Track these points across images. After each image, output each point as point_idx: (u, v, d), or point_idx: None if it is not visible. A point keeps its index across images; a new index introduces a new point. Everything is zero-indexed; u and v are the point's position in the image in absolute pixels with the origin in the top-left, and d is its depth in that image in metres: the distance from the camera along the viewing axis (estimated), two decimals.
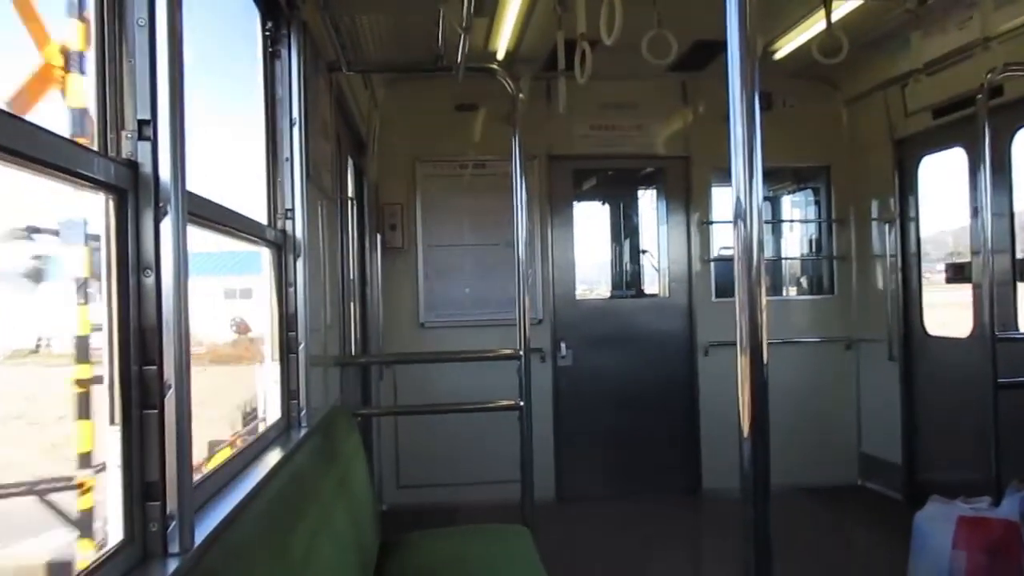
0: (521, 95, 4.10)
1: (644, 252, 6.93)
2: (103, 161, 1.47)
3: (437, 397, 5.52)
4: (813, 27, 4.59)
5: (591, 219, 7.29)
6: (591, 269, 7.30)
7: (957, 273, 5.38)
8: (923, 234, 5.70)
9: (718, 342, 5.91)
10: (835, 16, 3.93)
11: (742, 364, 1.39)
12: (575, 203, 6.35)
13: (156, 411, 1.56)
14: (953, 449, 5.22)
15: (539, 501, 4.16)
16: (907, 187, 5.71)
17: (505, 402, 4.11)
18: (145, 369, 1.56)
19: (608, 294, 7.16)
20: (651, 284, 6.72)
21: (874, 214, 6.00)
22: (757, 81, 1.39)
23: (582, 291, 6.60)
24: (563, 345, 6.03)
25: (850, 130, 6.18)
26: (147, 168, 1.56)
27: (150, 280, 1.56)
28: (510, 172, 4.08)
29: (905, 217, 5.73)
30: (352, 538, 2.65)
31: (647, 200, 6.98)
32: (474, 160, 5.97)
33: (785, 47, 5.12)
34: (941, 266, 5.83)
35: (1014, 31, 4.16)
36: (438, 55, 4.04)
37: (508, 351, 4.16)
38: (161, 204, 1.56)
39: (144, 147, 1.56)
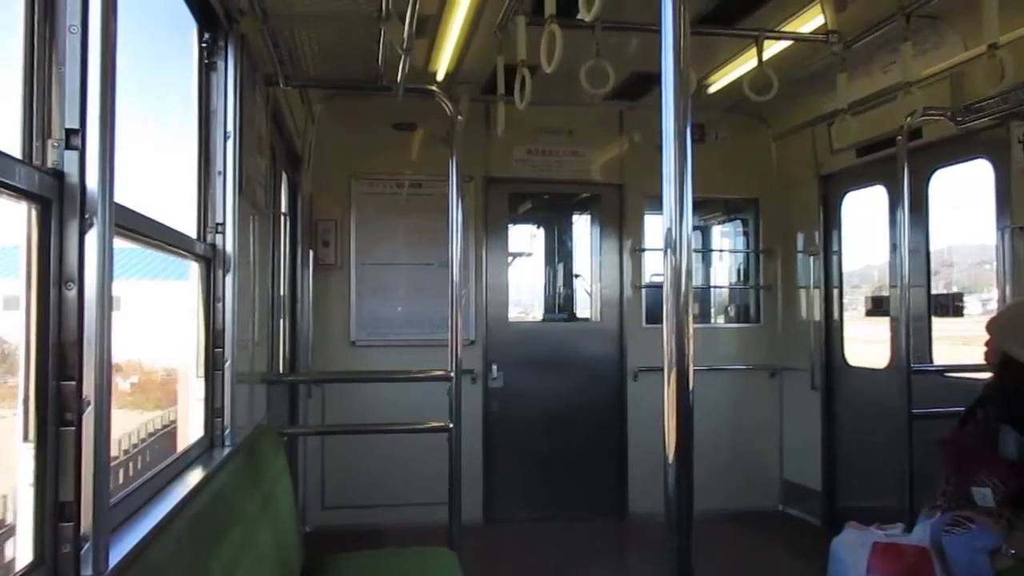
0: (460, 117, 4.11)
1: (577, 276, 7.01)
2: (27, 169, 1.43)
3: (366, 417, 5.45)
4: (745, 64, 4.73)
5: (526, 242, 7.34)
6: (525, 292, 7.34)
7: (876, 306, 5.58)
8: (846, 267, 5.89)
9: (647, 367, 5.99)
10: (766, 55, 4.07)
11: (669, 389, 1.41)
12: (510, 226, 6.39)
13: (73, 428, 1.51)
14: (870, 476, 5.38)
15: (467, 523, 4.14)
16: (831, 221, 5.91)
17: (435, 423, 4.09)
18: (63, 384, 1.51)
19: (541, 317, 7.21)
20: (583, 308, 6.79)
21: (799, 246, 6.19)
22: (689, 114, 1.43)
23: (515, 314, 6.62)
24: (494, 367, 6.03)
25: (778, 164, 6.37)
26: (74, 178, 1.52)
27: (72, 293, 1.51)
28: (447, 193, 4.09)
29: (829, 250, 5.93)
30: (275, 560, 2.60)
31: (581, 225, 7.07)
32: (411, 179, 5.95)
33: (718, 82, 5.28)
34: (862, 299, 6.03)
35: (933, 76, 4.36)
36: (378, 74, 4.03)
37: (439, 372, 4.14)
38: (87, 215, 1.52)
39: (71, 156, 1.52)
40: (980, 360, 3.71)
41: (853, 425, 5.67)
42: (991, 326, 3.67)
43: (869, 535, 3.62)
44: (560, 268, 7.31)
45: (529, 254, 7.40)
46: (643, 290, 6.24)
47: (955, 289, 5.31)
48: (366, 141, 5.90)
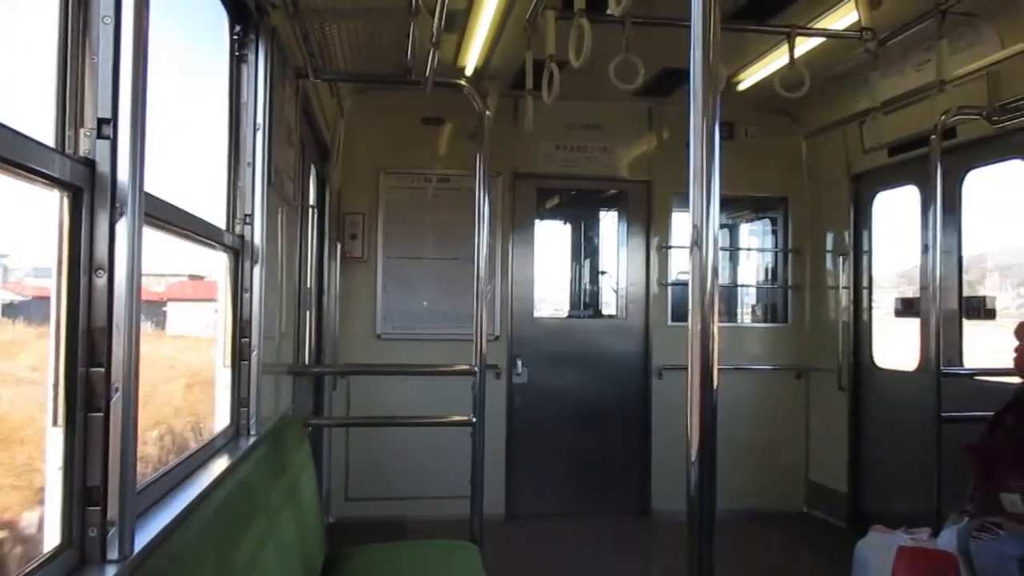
0: (488, 112, 4.11)
1: (603, 273, 6.98)
2: (60, 158, 1.45)
3: (390, 410, 5.48)
4: (776, 61, 4.69)
5: (552, 238, 7.32)
6: (550, 288, 7.33)
7: (907, 307, 5.51)
8: (876, 268, 5.83)
9: (672, 365, 5.96)
10: (798, 52, 4.02)
11: (692, 388, 1.41)
12: (537, 221, 6.38)
13: (101, 414, 1.53)
14: (897, 479, 5.32)
15: (489, 518, 4.15)
16: (862, 221, 5.84)
17: (458, 417, 4.10)
18: (92, 371, 1.53)
19: (566, 313, 7.19)
20: (609, 305, 6.77)
21: (829, 246, 6.13)
22: (718, 111, 1.42)
23: (540, 309, 6.62)
24: (519, 362, 6.04)
25: (809, 163, 6.31)
26: (105, 167, 1.54)
27: (102, 281, 1.53)
28: (474, 188, 4.10)
29: (859, 250, 5.86)
30: (298, 549, 2.62)
31: (608, 222, 7.04)
32: (438, 174, 5.97)
33: (749, 79, 5.22)
34: (891, 300, 5.96)
35: (968, 75, 4.29)
36: (407, 68, 4.04)
37: (464, 366, 4.15)
38: (117, 204, 1.54)
39: (103, 146, 1.54)
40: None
41: (880, 427, 5.61)
42: (1020, 331, 3.62)
43: (895, 539, 3.58)
44: (586, 264, 7.29)
45: (555, 250, 7.38)
46: (669, 288, 6.21)
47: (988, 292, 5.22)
48: (395, 136, 5.92)
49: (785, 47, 4.02)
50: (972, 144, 4.60)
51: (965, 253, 4.89)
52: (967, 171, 4.79)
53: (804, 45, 4.24)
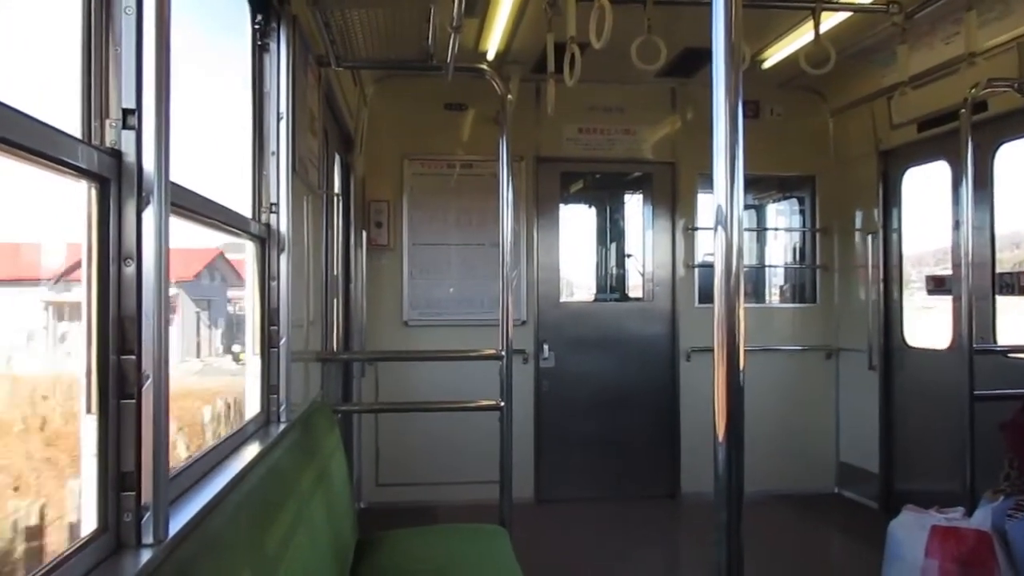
0: (510, 96, 4.10)
1: (629, 256, 6.95)
2: (86, 149, 1.46)
3: (418, 396, 5.52)
4: (801, 38, 4.62)
5: (577, 222, 7.31)
6: (576, 272, 7.32)
7: (938, 285, 5.43)
8: (906, 245, 5.75)
9: (700, 348, 5.94)
10: (823, 28, 3.97)
11: (719, 369, 1.40)
12: (561, 205, 6.37)
13: (133, 401, 1.55)
14: (929, 459, 5.27)
15: (518, 502, 4.16)
16: (891, 199, 5.76)
17: (486, 402, 4.11)
18: (123, 358, 1.55)
19: (592, 297, 7.18)
20: (635, 288, 6.75)
21: (858, 225, 6.05)
22: (741, 90, 1.40)
23: (566, 293, 6.62)
24: (546, 347, 6.04)
25: (836, 140, 6.23)
26: (131, 157, 1.55)
27: (130, 270, 1.55)
28: (497, 173, 4.09)
29: (888, 228, 5.78)
30: (329, 534, 2.65)
31: (633, 204, 7.01)
32: (462, 160, 5.97)
33: (773, 57, 5.16)
34: (922, 277, 5.88)
35: (998, 47, 4.21)
36: (428, 53, 4.04)
37: (491, 351, 4.16)
38: (144, 194, 1.56)
39: (128, 136, 1.56)
40: None
41: (912, 407, 5.55)
42: None
43: (928, 518, 3.56)
44: (612, 247, 7.27)
45: (580, 234, 7.37)
46: (696, 270, 6.18)
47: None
48: (417, 122, 5.93)
49: (810, 23, 3.96)
50: (1003, 117, 4.52)
51: (997, 230, 4.81)
52: (999, 145, 4.70)
53: (829, 20, 4.18)
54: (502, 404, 3.96)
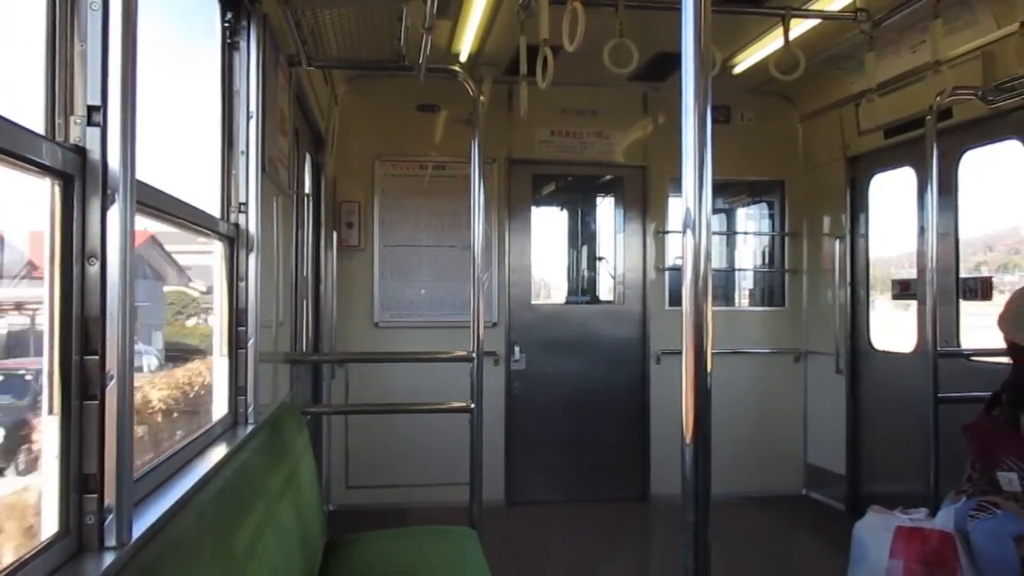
0: (482, 97, 4.10)
1: (600, 259, 6.98)
2: (50, 146, 1.44)
3: (389, 397, 5.49)
4: (771, 44, 4.67)
5: (549, 224, 7.32)
6: (548, 274, 7.33)
7: (903, 289, 5.51)
8: (872, 250, 5.82)
9: (670, 350, 5.97)
10: (793, 34, 4.01)
11: (687, 371, 1.41)
12: (533, 208, 6.38)
13: (97, 402, 1.53)
14: (895, 461, 5.34)
15: (488, 504, 4.16)
16: (858, 204, 5.84)
17: (457, 404, 4.11)
18: (87, 359, 1.53)
19: (564, 299, 7.20)
20: (606, 291, 6.77)
21: (826, 229, 6.13)
22: (710, 94, 1.41)
23: (537, 296, 6.62)
24: (517, 349, 6.05)
25: (805, 146, 6.30)
26: (96, 155, 1.53)
27: (94, 268, 1.53)
28: (469, 174, 4.09)
29: (855, 233, 5.86)
30: (298, 536, 2.63)
31: (605, 207, 7.04)
32: (434, 161, 5.96)
33: (744, 62, 5.21)
34: (889, 282, 5.96)
35: (964, 56, 4.28)
36: (400, 54, 4.02)
37: (461, 353, 4.15)
38: (109, 192, 1.53)
39: (93, 133, 1.53)
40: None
41: (878, 409, 5.63)
42: (1000, 321, 3.64)
43: (893, 519, 3.60)
44: (583, 250, 7.29)
45: (552, 236, 7.38)
46: (666, 273, 6.22)
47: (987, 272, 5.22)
48: (389, 123, 5.91)
49: (780, 29, 4.00)
50: (968, 125, 4.60)
51: (971, 234, 4.89)
52: (963, 152, 4.78)
53: (799, 27, 4.23)
54: (473, 406, 3.95)
